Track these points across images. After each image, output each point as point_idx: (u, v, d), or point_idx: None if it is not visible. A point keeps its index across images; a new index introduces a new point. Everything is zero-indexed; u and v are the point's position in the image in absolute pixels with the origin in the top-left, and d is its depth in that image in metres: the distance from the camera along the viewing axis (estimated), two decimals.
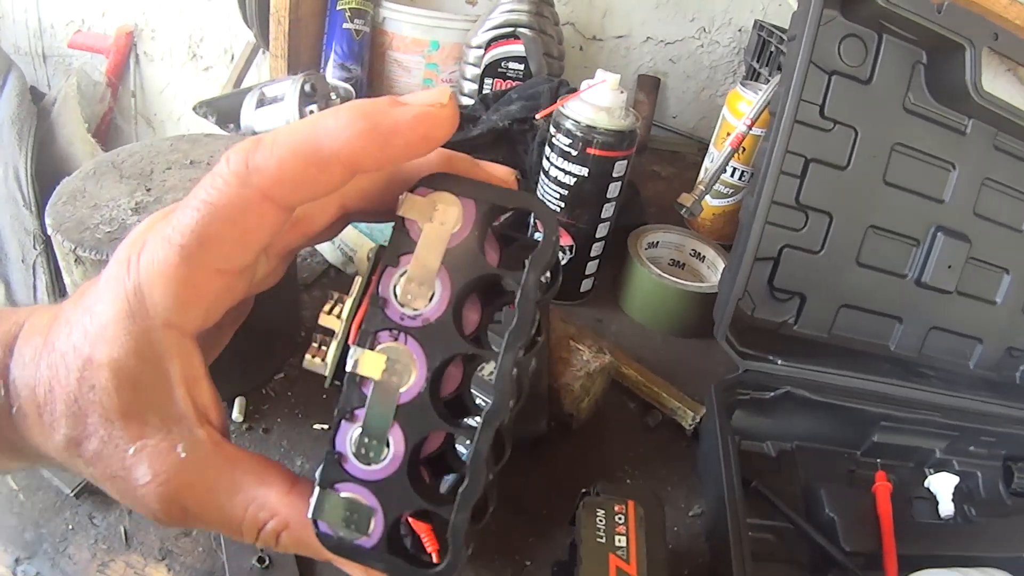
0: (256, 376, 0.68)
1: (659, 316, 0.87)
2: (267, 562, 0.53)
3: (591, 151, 0.76)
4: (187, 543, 0.54)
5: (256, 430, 0.64)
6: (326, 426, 0.65)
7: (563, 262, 0.83)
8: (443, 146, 0.25)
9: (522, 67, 1.14)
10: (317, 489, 0.25)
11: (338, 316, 0.27)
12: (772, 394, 0.68)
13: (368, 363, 0.25)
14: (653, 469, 0.69)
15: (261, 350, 0.67)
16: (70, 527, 0.54)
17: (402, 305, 0.25)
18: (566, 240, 0.82)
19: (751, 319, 0.72)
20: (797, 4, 0.65)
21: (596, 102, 0.76)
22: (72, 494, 0.56)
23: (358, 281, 0.27)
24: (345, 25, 1.17)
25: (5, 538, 0.53)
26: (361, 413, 0.25)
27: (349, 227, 0.82)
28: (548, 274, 0.26)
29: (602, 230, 0.82)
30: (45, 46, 1.78)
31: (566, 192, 0.79)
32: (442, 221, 0.25)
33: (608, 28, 1.42)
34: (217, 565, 0.53)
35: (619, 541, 0.47)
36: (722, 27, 1.40)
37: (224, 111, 0.97)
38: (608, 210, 0.81)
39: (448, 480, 0.27)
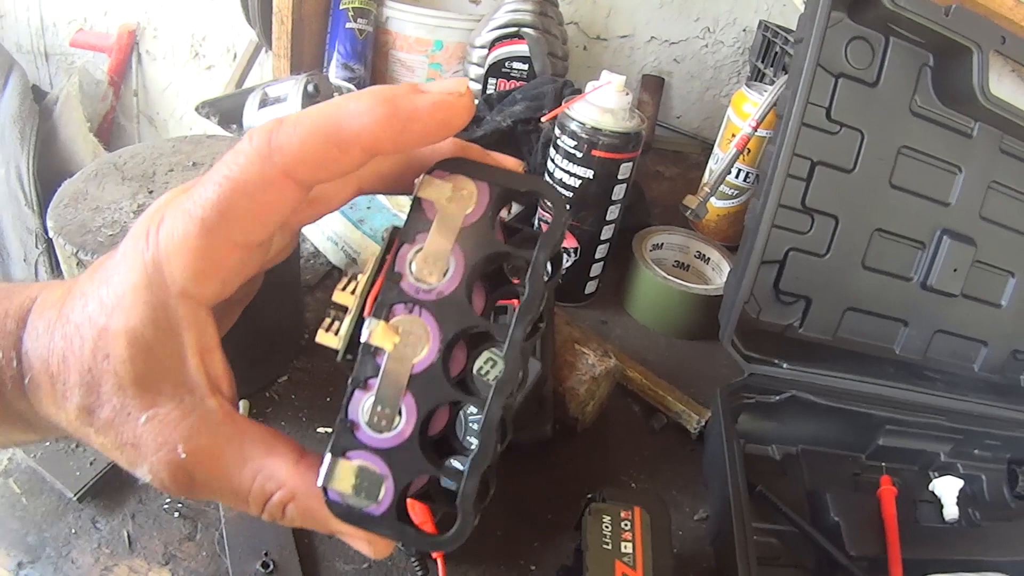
0: (259, 379, 0.68)
1: (663, 318, 0.87)
2: (271, 567, 0.52)
3: (596, 153, 0.76)
4: (191, 547, 0.54)
5: None
6: (330, 429, 0.65)
7: (567, 264, 0.83)
8: None
9: (526, 67, 1.14)
10: (328, 456, 0.26)
11: (352, 292, 0.28)
12: (777, 398, 0.68)
13: (383, 334, 0.26)
14: (658, 473, 0.69)
15: (264, 352, 0.67)
16: (73, 531, 0.54)
17: (417, 280, 0.26)
18: (570, 242, 0.82)
19: (756, 322, 0.71)
20: (803, 6, 0.65)
21: (601, 104, 0.75)
22: (75, 498, 0.55)
23: (372, 259, 0.28)
24: (348, 24, 1.17)
25: (8, 542, 0.53)
26: (374, 383, 0.26)
27: (353, 229, 0.82)
28: (550, 266, 0.27)
29: (607, 232, 0.82)
30: (47, 44, 1.77)
31: (571, 194, 0.79)
32: (457, 202, 0.27)
33: (612, 28, 1.41)
34: (221, 570, 0.53)
35: (625, 548, 0.47)
36: (726, 27, 1.40)
37: (227, 111, 0.97)
38: (613, 212, 0.81)
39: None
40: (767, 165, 0.66)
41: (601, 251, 0.84)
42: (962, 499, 0.68)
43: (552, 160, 0.80)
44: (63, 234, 0.55)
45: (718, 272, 0.92)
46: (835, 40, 0.65)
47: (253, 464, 0.26)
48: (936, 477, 0.71)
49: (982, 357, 0.77)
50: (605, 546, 0.47)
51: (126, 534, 0.54)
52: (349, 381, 0.26)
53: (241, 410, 0.64)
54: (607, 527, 0.48)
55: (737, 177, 0.98)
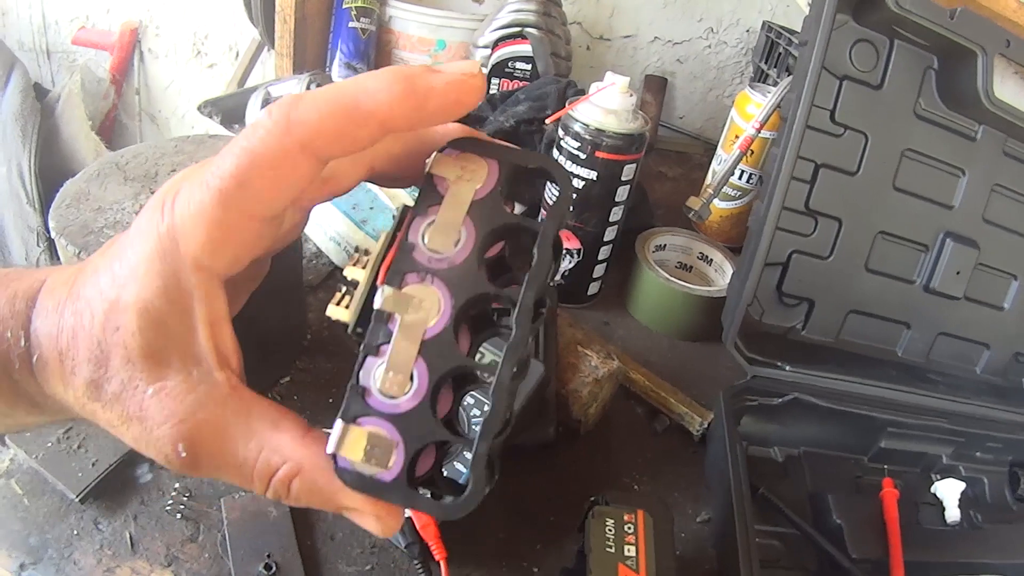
0: (262, 379, 0.68)
1: (666, 320, 0.87)
2: (274, 568, 0.52)
3: (600, 154, 0.75)
4: (193, 549, 0.54)
5: None
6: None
7: (571, 265, 0.83)
8: None
9: (529, 67, 1.14)
10: (339, 423, 0.26)
11: (363, 268, 0.28)
12: (780, 400, 0.68)
13: (396, 300, 0.26)
14: (660, 475, 0.69)
15: (267, 353, 0.67)
16: (75, 532, 0.54)
17: (430, 249, 0.27)
18: (573, 243, 0.82)
19: (759, 324, 0.71)
20: (807, 7, 0.65)
21: (605, 105, 0.75)
22: (77, 499, 0.55)
23: (383, 236, 0.29)
24: (351, 24, 1.17)
25: (10, 543, 0.53)
26: (387, 348, 0.26)
27: (356, 230, 0.82)
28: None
29: (610, 233, 0.82)
30: (49, 42, 1.77)
31: (574, 195, 0.79)
32: (468, 178, 0.28)
33: (615, 28, 1.41)
34: (224, 571, 0.53)
35: (628, 551, 0.47)
36: (730, 27, 1.39)
37: (229, 111, 0.97)
38: (616, 213, 0.81)
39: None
40: (771, 167, 0.66)
41: (604, 252, 0.84)
42: (964, 502, 0.68)
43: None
44: (65, 235, 0.55)
45: (721, 273, 0.92)
46: (840, 43, 0.65)
47: (259, 438, 0.26)
48: (938, 480, 0.71)
49: (984, 360, 0.77)
50: (608, 549, 0.47)
51: (128, 535, 0.54)
52: (361, 348, 0.26)
53: None
54: (610, 530, 0.48)
55: (740, 178, 0.98)
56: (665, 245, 0.93)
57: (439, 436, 0.26)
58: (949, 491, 0.69)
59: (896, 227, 0.71)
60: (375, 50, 1.22)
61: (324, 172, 0.26)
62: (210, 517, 0.56)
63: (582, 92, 0.95)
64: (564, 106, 0.79)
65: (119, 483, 0.57)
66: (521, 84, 1.14)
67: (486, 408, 0.25)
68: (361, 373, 0.26)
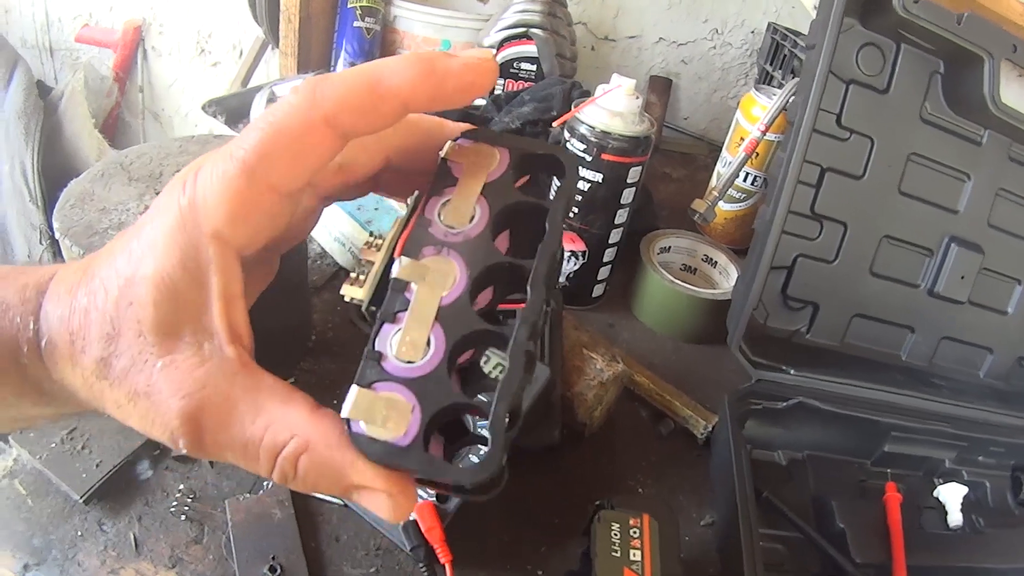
0: None
1: (670, 322, 0.87)
2: (278, 570, 0.52)
3: (606, 157, 0.75)
4: (198, 550, 0.54)
5: None
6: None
7: (576, 267, 0.83)
8: None
9: (534, 68, 1.14)
10: (355, 388, 0.25)
11: (378, 249, 0.29)
12: (784, 404, 0.68)
13: (413, 268, 0.27)
14: (664, 478, 0.69)
15: (272, 353, 0.67)
16: (79, 533, 0.54)
17: (446, 225, 0.28)
18: (579, 246, 0.81)
19: (764, 328, 0.71)
20: (813, 9, 0.65)
21: (611, 107, 0.75)
22: (81, 500, 0.55)
23: (397, 221, 0.30)
24: (356, 23, 1.17)
25: (13, 544, 0.53)
26: (403, 316, 0.26)
27: (360, 231, 0.81)
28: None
29: (615, 236, 0.82)
30: (52, 40, 1.77)
31: (580, 198, 0.79)
32: (481, 162, 0.29)
33: (620, 28, 1.41)
34: (228, 573, 0.53)
35: (634, 555, 0.47)
36: (735, 29, 1.39)
37: (233, 110, 0.97)
38: (622, 216, 0.81)
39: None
40: (777, 171, 0.66)
41: (609, 254, 0.84)
42: (966, 506, 0.69)
43: None
44: (70, 235, 0.54)
45: (725, 276, 0.92)
46: (847, 46, 0.65)
47: (267, 414, 0.25)
48: (941, 484, 0.71)
49: (988, 364, 0.77)
50: (614, 553, 0.47)
51: (132, 536, 0.54)
52: (378, 315, 0.27)
53: None
54: (616, 534, 0.48)
55: (745, 181, 0.98)
56: (670, 247, 0.93)
57: (456, 399, 0.25)
58: (952, 495, 0.69)
59: (901, 231, 0.71)
60: (380, 50, 1.22)
61: (341, 159, 0.27)
62: (214, 518, 0.56)
63: (587, 93, 0.95)
64: (569, 107, 0.79)
65: (123, 484, 0.58)
66: (526, 85, 1.14)
67: (504, 369, 0.25)
68: (377, 340, 0.26)
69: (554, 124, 0.81)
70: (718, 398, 0.68)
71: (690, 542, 0.63)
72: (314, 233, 0.87)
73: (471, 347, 0.27)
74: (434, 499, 0.56)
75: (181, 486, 0.58)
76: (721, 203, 0.97)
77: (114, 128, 1.75)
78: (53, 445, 0.58)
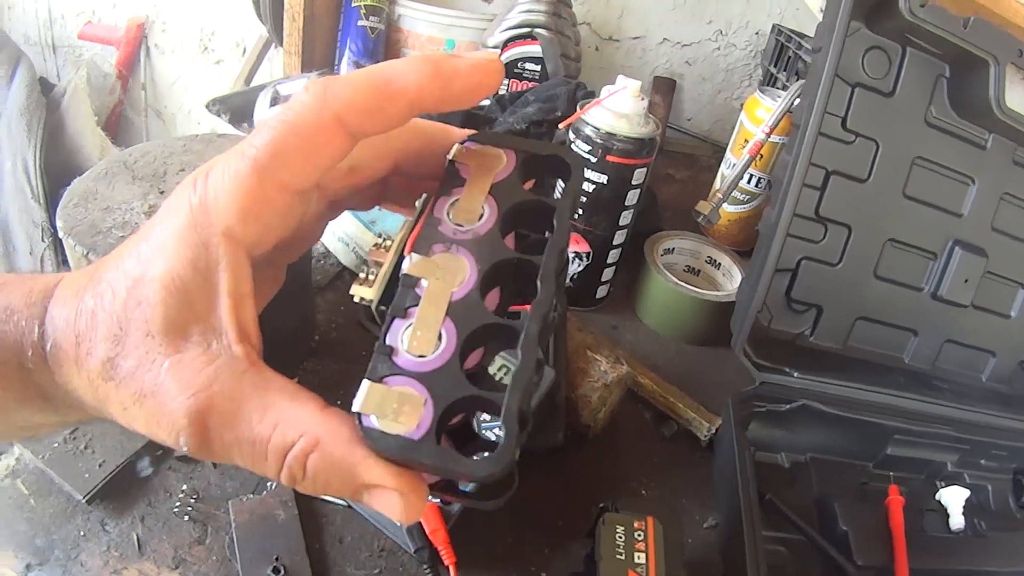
0: None
1: (674, 324, 0.87)
2: (282, 572, 0.52)
3: (610, 158, 0.75)
4: (201, 551, 0.54)
5: None
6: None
7: (580, 269, 0.83)
8: None
9: (539, 68, 1.14)
10: (366, 382, 0.25)
11: (386, 250, 0.30)
12: (788, 407, 0.68)
13: (424, 265, 0.27)
14: (668, 480, 0.69)
15: (276, 354, 0.67)
16: (82, 533, 0.54)
17: (455, 223, 0.28)
18: (583, 247, 0.81)
19: (768, 330, 0.71)
20: (819, 12, 0.65)
21: (616, 109, 0.75)
22: (84, 500, 0.55)
23: (405, 223, 0.31)
24: (360, 22, 1.16)
25: (16, 544, 0.53)
26: (414, 311, 0.26)
27: (364, 231, 0.81)
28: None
29: (619, 237, 0.82)
30: (55, 37, 1.77)
31: (584, 199, 0.79)
32: (488, 163, 0.30)
33: (625, 29, 1.41)
34: (231, 574, 0.53)
35: (638, 558, 0.47)
36: (739, 30, 1.39)
37: (237, 109, 0.97)
38: (626, 217, 0.81)
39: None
40: (782, 174, 0.66)
41: (613, 256, 0.84)
42: (968, 509, 0.69)
43: None
44: (73, 234, 0.54)
45: (729, 277, 0.92)
46: (853, 50, 0.65)
47: (275, 413, 0.25)
48: (943, 487, 0.71)
49: (990, 367, 0.77)
50: (619, 556, 0.47)
51: (135, 537, 0.54)
52: (388, 310, 0.27)
53: None
54: (620, 537, 0.48)
55: (749, 182, 0.98)
56: (674, 249, 0.93)
57: (468, 392, 0.25)
58: (954, 498, 0.69)
59: (905, 234, 0.71)
60: (384, 49, 1.22)
61: (351, 161, 0.28)
62: (218, 519, 0.56)
63: (592, 94, 0.95)
64: (574, 108, 0.79)
65: (126, 484, 0.57)
66: (530, 85, 1.13)
67: (515, 362, 0.25)
68: (388, 335, 0.26)
69: (560, 126, 0.81)
70: (721, 400, 0.68)
71: (693, 544, 0.63)
72: None
73: (482, 342, 0.27)
74: (438, 501, 0.56)
75: (184, 486, 0.58)
76: (725, 205, 0.97)
77: (117, 125, 1.75)
78: (56, 445, 0.58)
